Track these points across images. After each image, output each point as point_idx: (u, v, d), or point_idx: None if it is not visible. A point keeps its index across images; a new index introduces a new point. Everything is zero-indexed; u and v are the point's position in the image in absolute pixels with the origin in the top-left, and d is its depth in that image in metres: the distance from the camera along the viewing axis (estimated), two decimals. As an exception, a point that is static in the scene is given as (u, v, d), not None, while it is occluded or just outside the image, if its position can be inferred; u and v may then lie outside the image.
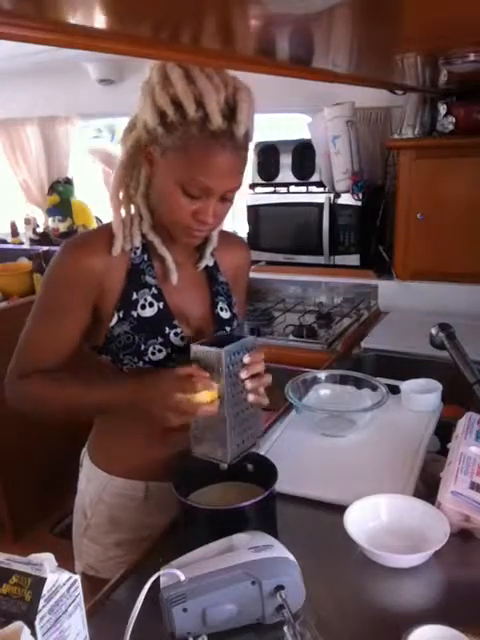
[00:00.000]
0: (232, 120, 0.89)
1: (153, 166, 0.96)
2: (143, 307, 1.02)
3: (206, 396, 0.90)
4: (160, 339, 1.02)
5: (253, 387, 0.95)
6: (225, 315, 1.11)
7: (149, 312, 1.02)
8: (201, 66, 0.88)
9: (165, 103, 0.89)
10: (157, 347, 1.01)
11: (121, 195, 1.02)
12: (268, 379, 0.98)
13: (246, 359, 0.94)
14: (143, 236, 1.02)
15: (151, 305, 1.02)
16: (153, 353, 1.01)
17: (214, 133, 0.89)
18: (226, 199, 0.97)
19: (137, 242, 1.02)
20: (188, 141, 0.90)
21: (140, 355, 1.01)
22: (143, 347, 1.01)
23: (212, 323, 1.10)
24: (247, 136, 0.93)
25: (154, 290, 1.03)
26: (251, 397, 0.96)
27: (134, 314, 1.01)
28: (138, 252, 1.03)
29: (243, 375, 0.94)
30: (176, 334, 1.03)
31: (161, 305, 1.03)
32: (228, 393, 0.92)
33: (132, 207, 1.02)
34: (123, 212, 1.02)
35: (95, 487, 1.13)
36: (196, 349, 0.94)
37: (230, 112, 0.89)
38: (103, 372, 1.06)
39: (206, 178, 0.92)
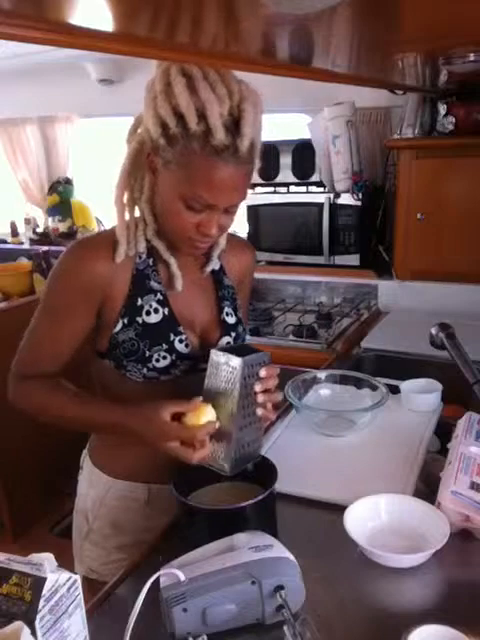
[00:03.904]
0: (236, 134, 0.86)
1: (156, 175, 0.94)
2: (148, 313, 1.00)
3: (203, 416, 0.89)
4: (165, 346, 1.01)
5: (264, 401, 0.94)
6: (231, 320, 1.10)
7: (154, 318, 1.01)
8: (205, 72, 0.86)
9: (167, 114, 0.86)
10: (162, 354, 1.00)
11: (125, 198, 1.00)
12: (280, 396, 0.96)
13: (262, 373, 0.93)
14: (147, 241, 1.01)
15: (156, 311, 1.01)
16: (157, 360, 1.00)
17: (216, 148, 0.86)
18: (230, 211, 0.96)
19: (141, 248, 1.00)
20: (190, 156, 0.87)
21: (144, 362, 1.00)
22: (147, 354, 1.00)
23: (217, 328, 1.09)
24: (252, 148, 0.90)
25: (159, 296, 1.02)
26: (260, 411, 0.94)
27: (139, 320, 1.00)
28: (143, 257, 1.02)
29: (257, 388, 0.92)
30: (180, 341, 1.02)
31: (166, 311, 1.02)
32: (239, 404, 0.91)
33: (136, 211, 1.00)
34: (127, 216, 1.00)
35: (97, 491, 1.12)
36: (216, 355, 0.93)
37: (234, 125, 0.86)
38: (105, 384, 1.06)
39: (208, 194, 0.90)
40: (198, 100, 0.85)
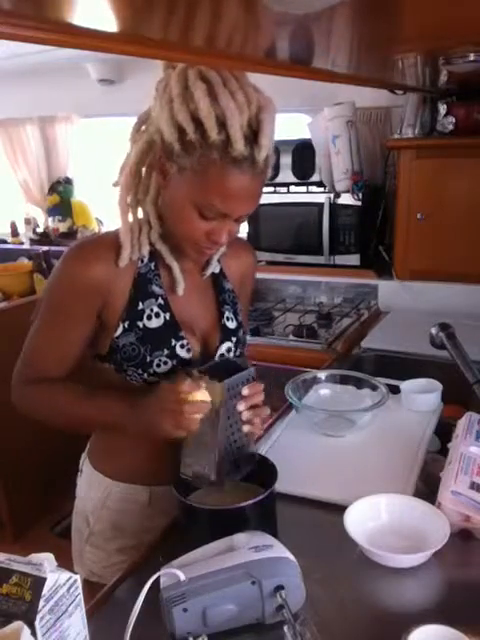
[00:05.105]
0: (254, 144, 0.86)
1: (166, 179, 0.93)
2: (149, 318, 0.99)
3: (200, 396, 0.89)
4: (166, 351, 1.00)
5: (249, 418, 0.94)
6: (231, 325, 1.10)
7: (155, 323, 1.00)
8: (224, 78, 0.85)
9: (185, 120, 0.85)
10: (163, 359, 1.00)
11: (129, 199, 0.98)
12: (266, 411, 0.96)
13: (245, 391, 0.92)
14: (151, 244, 1.00)
15: (157, 316, 1.00)
16: (158, 365, 0.99)
17: (235, 159, 0.85)
18: (240, 219, 0.96)
19: (145, 251, 0.99)
20: (207, 165, 0.86)
21: (145, 367, 0.99)
22: (148, 359, 0.99)
23: (218, 333, 1.08)
24: (268, 159, 0.90)
25: (160, 300, 1.01)
26: (246, 428, 0.94)
27: (140, 325, 0.99)
28: (145, 260, 1.01)
29: (241, 407, 0.92)
30: (182, 346, 1.01)
31: (167, 316, 1.01)
32: (222, 425, 0.91)
33: (140, 212, 0.99)
34: (131, 217, 0.99)
35: (97, 493, 1.12)
36: (196, 377, 0.92)
37: (253, 135, 0.86)
38: (105, 385, 1.05)
39: (223, 204, 0.89)
40: (218, 108, 0.83)
